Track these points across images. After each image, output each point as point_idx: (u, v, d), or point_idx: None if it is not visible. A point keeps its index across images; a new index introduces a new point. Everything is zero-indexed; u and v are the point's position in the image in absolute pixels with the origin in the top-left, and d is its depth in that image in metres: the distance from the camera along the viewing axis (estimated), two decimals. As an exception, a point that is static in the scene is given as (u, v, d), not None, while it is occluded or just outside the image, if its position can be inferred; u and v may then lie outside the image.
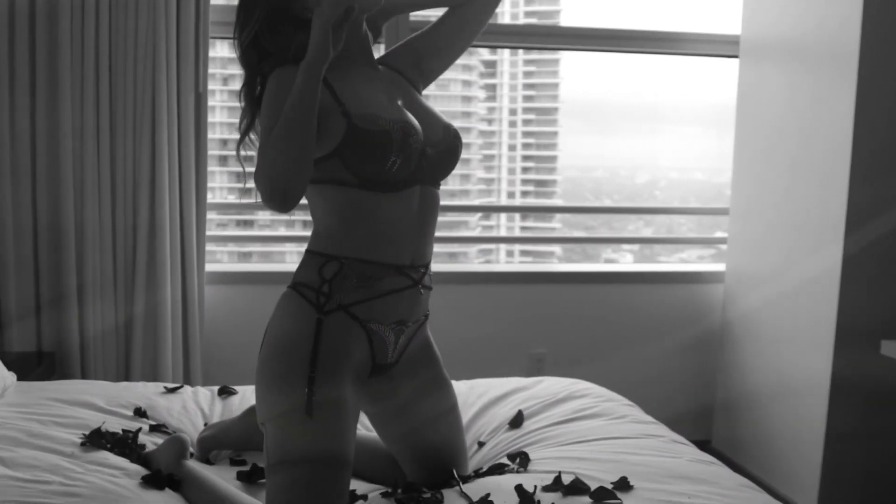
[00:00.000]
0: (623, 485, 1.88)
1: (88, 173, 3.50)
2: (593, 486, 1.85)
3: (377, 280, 1.89)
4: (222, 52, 4.10)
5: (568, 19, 4.72)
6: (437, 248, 2.86)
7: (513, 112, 4.92)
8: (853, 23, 3.22)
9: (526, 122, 4.93)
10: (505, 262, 4.88)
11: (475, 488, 1.91)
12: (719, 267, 4.28)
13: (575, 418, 2.40)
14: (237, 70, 2.02)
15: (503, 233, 4.90)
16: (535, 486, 1.86)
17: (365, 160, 1.80)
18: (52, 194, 3.53)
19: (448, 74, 4.76)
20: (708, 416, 4.27)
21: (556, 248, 4.94)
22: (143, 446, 2.28)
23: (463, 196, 4.87)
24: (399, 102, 1.94)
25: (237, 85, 1.98)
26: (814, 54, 3.48)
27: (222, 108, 4.29)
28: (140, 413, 2.51)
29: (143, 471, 2.09)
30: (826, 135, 3.38)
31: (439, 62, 2.17)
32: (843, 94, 3.27)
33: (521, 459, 2.10)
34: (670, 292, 4.26)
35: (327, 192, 1.86)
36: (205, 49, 3.59)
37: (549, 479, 1.90)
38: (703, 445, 4.03)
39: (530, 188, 5.01)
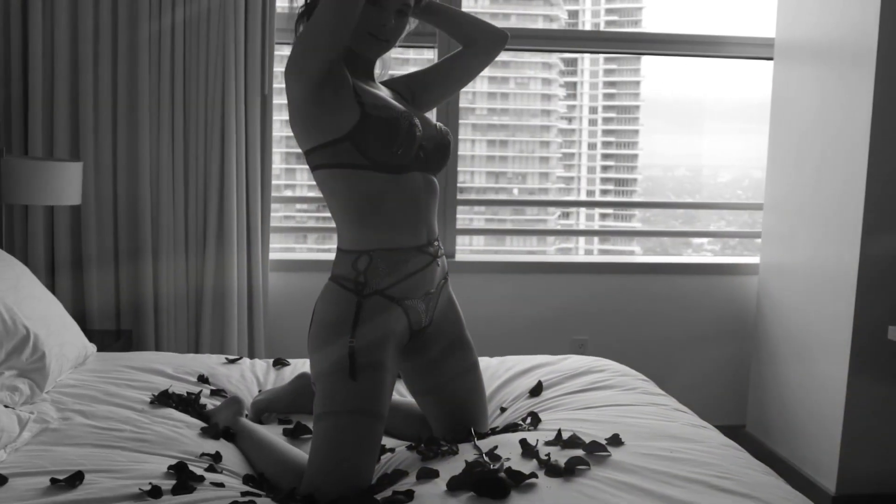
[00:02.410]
0: (615, 440, 2.12)
1: (164, 169, 3.81)
2: (589, 441, 2.11)
3: (404, 263, 2.19)
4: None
5: (603, 24, 4.87)
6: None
7: (593, 110, 4.99)
8: (872, 26, 3.40)
9: (606, 121, 4.99)
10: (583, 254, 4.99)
11: (488, 443, 2.18)
12: (754, 259, 4.47)
13: (589, 389, 2.64)
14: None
15: (581, 237, 5.02)
16: (538, 440, 2.13)
17: (375, 142, 2.10)
18: (131, 189, 3.84)
19: (528, 72, 4.91)
20: (742, 401, 4.46)
21: (637, 247, 5.02)
22: (203, 406, 2.59)
23: (542, 194, 4.99)
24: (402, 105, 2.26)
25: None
26: (838, 56, 3.67)
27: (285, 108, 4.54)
28: (203, 379, 2.82)
29: (202, 425, 2.41)
30: (847, 133, 3.56)
31: (430, 97, 2.47)
32: (861, 94, 3.46)
33: (532, 420, 2.36)
34: (708, 283, 4.45)
35: (340, 183, 2.16)
36: (270, 55, 3.87)
37: (552, 437, 2.16)
38: (738, 430, 4.24)
39: (610, 187, 5.06)
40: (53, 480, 1.88)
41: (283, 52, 4.11)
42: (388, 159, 2.13)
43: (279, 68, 3.95)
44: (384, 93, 2.28)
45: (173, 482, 1.91)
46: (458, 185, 4.38)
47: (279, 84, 3.95)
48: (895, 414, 3.59)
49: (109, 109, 3.79)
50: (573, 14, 4.97)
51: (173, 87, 3.80)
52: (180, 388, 2.69)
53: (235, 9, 3.76)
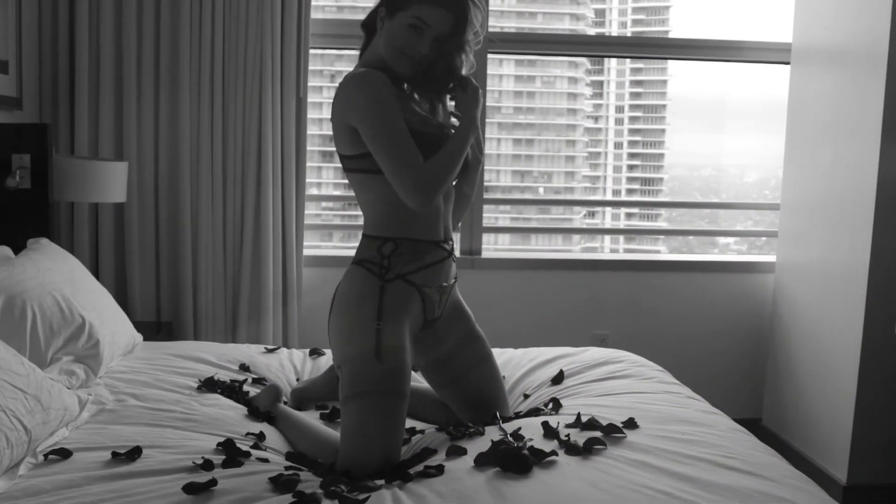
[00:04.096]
0: (630, 424, 2.29)
1: (203, 168, 3.99)
2: (606, 424, 2.27)
3: (424, 253, 2.39)
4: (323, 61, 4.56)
5: (622, 28, 4.95)
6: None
7: (619, 109, 5.05)
8: (883, 31, 3.53)
9: (633, 120, 5.04)
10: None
11: (512, 426, 2.34)
12: (770, 258, 4.61)
13: (607, 378, 2.80)
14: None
15: (606, 236, 5.10)
16: (558, 423, 2.29)
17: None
18: (172, 187, 4.03)
19: (555, 71, 4.94)
20: (759, 395, 4.60)
21: (663, 247, 5.10)
22: (246, 393, 2.77)
23: (567, 194, 5.07)
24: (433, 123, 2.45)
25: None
26: (852, 61, 3.80)
27: (327, 107, 4.64)
28: (244, 368, 3.00)
29: (246, 409, 2.58)
30: (860, 135, 3.69)
31: None
32: (873, 97, 3.59)
33: (553, 405, 2.52)
34: (726, 280, 4.59)
35: (370, 182, 2.36)
36: (305, 59, 4.04)
37: (572, 420, 2.33)
38: (755, 423, 4.37)
39: (636, 186, 5.11)
40: (114, 454, 2.06)
41: (317, 54, 4.28)
42: None
43: (314, 68, 4.09)
44: (419, 109, 2.46)
45: (223, 457, 2.09)
46: (484, 183, 4.52)
47: (313, 84, 4.11)
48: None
49: (151, 111, 3.97)
50: (600, 13, 5.02)
51: (213, 89, 3.98)
52: (224, 376, 2.87)
53: (272, 14, 3.93)
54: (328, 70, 4.76)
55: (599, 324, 4.50)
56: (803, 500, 1.90)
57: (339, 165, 2.48)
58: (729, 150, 5.09)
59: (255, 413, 2.53)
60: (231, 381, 2.80)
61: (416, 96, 2.49)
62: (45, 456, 2.06)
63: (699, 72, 4.81)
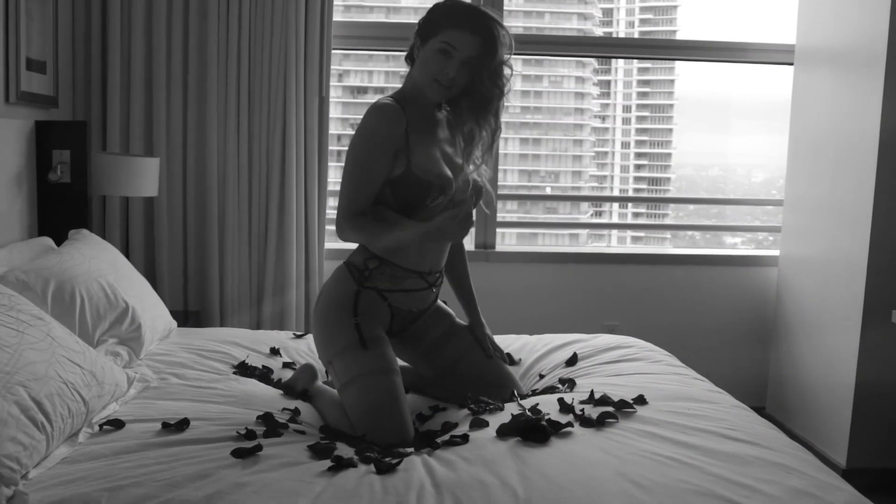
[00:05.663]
0: (640, 400, 2.47)
1: (230, 164, 4.16)
2: (617, 400, 2.45)
3: (403, 279, 2.64)
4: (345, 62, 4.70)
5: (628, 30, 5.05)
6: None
7: (627, 109, 5.12)
8: (882, 32, 3.69)
9: (640, 120, 5.12)
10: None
11: (529, 402, 2.52)
12: (774, 252, 4.77)
13: (618, 361, 2.97)
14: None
15: (613, 231, 5.19)
16: (573, 399, 2.47)
17: (411, 196, 2.52)
18: (200, 182, 4.21)
19: (562, 71, 5.01)
20: (763, 384, 4.77)
21: (669, 247, 5.18)
22: (278, 380, 2.91)
23: (574, 193, 5.16)
24: (447, 155, 2.64)
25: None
26: (852, 61, 3.96)
27: (336, 105, 4.79)
28: (274, 352, 3.17)
29: (279, 391, 2.75)
30: (859, 134, 3.86)
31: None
32: (872, 96, 3.76)
33: (568, 384, 2.70)
34: (732, 274, 4.77)
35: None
36: (328, 59, 4.21)
37: (586, 397, 2.50)
38: (758, 412, 4.49)
39: (643, 185, 5.20)
40: (164, 425, 2.23)
41: (338, 54, 4.42)
42: (415, 214, 2.55)
43: (336, 68, 4.24)
44: (443, 135, 2.66)
45: (263, 428, 2.26)
46: (498, 182, 4.65)
47: (336, 84, 4.27)
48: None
49: (180, 109, 4.15)
50: (607, 13, 5.10)
51: (239, 88, 4.15)
52: (255, 360, 3.04)
53: (297, 16, 4.10)
54: (335, 69, 4.80)
55: (609, 315, 4.66)
56: (798, 465, 2.08)
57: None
58: (736, 150, 5.20)
59: (290, 392, 2.70)
60: (263, 366, 2.97)
61: (447, 124, 2.70)
62: (101, 427, 2.24)
63: (706, 72, 4.91)
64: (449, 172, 2.58)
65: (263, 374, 2.90)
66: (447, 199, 2.56)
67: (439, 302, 2.85)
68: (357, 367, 2.50)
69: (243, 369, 2.91)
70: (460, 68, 2.52)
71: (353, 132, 2.62)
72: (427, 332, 2.79)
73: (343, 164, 2.57)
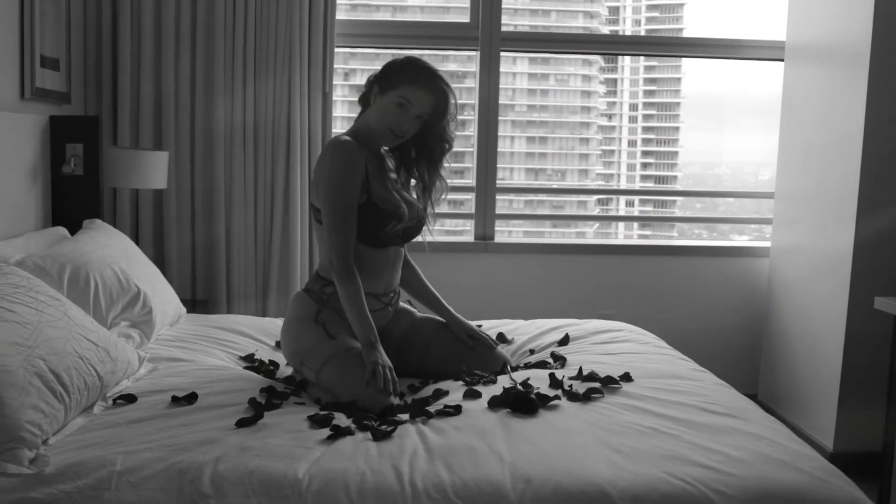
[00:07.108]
0: (626, 377, 2.60)
1: (236, 158, 4.29)
2: (604, 376, 2.58)
3: None
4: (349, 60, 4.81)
5: (628, 27, 5.11)
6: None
7: (633, 107, 5.14)
8: (866, 30, 3.81)
9: (646, 118, 5.14)
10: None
11: (521, 376, 2.66)
12: (766, 243, 4.90)
13: (608, 342, 3.11)
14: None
15: (620, 227, 5.26)
16: (563, 375, 2.60)
17: (369, 225, 2.71)
18: (207, 176, 4.33)
19: (568, 69, 5.03)
20: (755, 372, 4.89)
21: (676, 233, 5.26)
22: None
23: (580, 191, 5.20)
24: (395, 186, 2.87)
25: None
26: (840, 58, 4.08)
27: (343, 104, 4.90)
28: (280, 345, 3.28)
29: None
30: (845, 128, 3.97)
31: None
32: (857, 92, 3.88)
33: (560, 361, 2.83)
34: (725, 264, 4.89)
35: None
36: (331, 56, 4.33)
37: (575, 373, 2.64)
38: (751, 398, 4.63)
39: (650, 184, 5.24)
40: (174, 398, 2.37)
41: (342, 51, 4.53)
42: (373, 240, 2.75)
43: (342, 67, 4.35)
44: (389, 168, 2.88)
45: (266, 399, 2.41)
46: (497, 182, 4.75)
47: (342, 83, 4.39)
48: (884, 378, 3.99)
49: (188, 104, 4.28)
50: (613, 10, 5.13)
51: (245, 84, 4.28)
52: (262, 354, 3.11)
53: (301, 13, 4.23)
54: (341, 68, 4.87)
55: (605, 304, 4.78)
56: (770, 434, 2.22)
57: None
58: (743, 149, 5.27)
59: (291, 383, 2.81)
60: (270, 361, 3.03)
61: (389, 161, 2.91)
62: (114, 401, 2.38)
63: (712, 69, 4.98)
64: (403, 203, 2.78)
65: (269, 373, 2.93)
66: (402, 225, 2.77)
67: (401, 303, 3.02)
68: (328, 351, 2.66)
69: (250, 362, 3.01)
70: (415, 122, 2.73)
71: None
72: (392, 333, 2.94)
73: (323, 207, 2.71)
